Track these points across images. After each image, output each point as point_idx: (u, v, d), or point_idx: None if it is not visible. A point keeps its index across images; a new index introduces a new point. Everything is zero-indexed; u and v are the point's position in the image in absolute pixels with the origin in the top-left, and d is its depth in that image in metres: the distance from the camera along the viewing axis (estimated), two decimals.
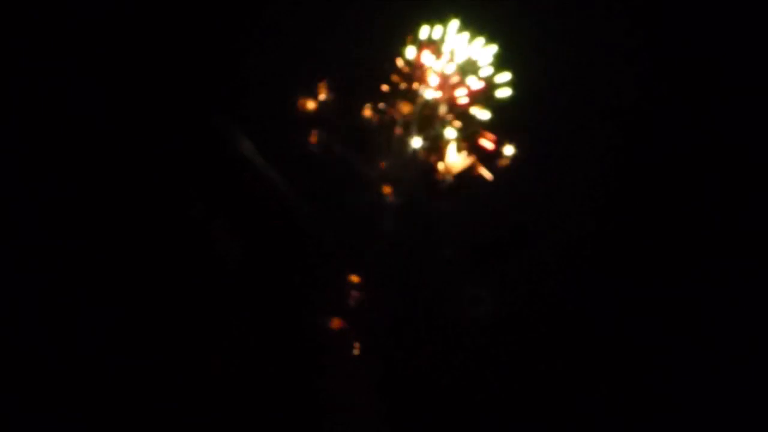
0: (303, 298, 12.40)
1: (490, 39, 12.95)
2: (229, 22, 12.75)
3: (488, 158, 12.92)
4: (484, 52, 12.95)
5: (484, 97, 12.98)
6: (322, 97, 12.84)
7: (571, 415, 12.26)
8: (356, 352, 12.38)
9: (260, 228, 12.57)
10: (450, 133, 12.73)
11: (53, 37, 12.31)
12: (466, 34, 12.97)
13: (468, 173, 12.90)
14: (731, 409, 11.98)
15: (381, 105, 12.79)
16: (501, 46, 12.93)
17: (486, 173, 12.76)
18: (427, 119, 12.83)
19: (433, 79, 12.83)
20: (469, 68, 12.97)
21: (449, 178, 12.82)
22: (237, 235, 12.43)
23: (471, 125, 12.87)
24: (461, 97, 12.95)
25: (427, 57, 12.75)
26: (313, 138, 12.80)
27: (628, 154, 12.88)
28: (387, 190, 12.65)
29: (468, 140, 12.88)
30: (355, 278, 12.55)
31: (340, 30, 12.84)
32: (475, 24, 12.91)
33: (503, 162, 12.88)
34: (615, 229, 12.80)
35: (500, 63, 12.95)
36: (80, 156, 12.33)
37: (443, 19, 12.82)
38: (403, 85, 12.85)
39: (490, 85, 12.95)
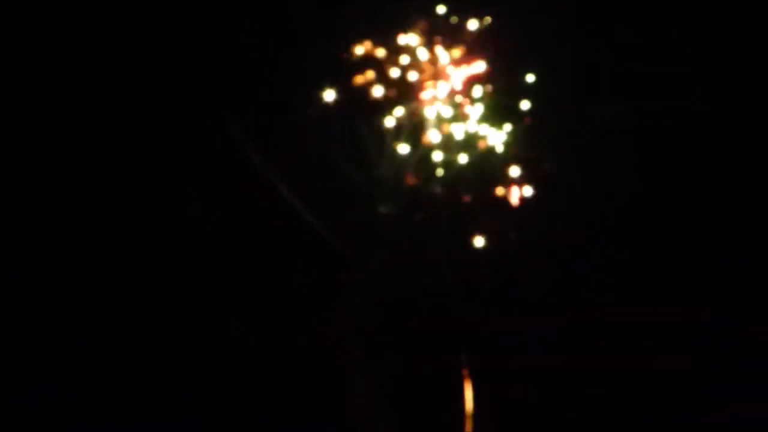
0: (303, 298, 12.42)
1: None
2: (230, 23, 12.79)
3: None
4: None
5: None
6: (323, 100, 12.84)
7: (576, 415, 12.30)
8: (358, 353, 12.42)
9: (260, 228, 12.59)
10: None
11: (53, 37, 12.33)
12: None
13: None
14: (730, 409, 12.00)
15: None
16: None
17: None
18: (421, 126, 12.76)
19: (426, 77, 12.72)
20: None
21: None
22: (236, 235, 12.46)
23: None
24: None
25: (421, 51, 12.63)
26: (308, 142, 12.81)
27: (628, 155, 12.93)
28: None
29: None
30: (356, 279, 12.59)
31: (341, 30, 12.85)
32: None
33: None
34: (614, 230, 12.83)
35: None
36: (80, 156, 12.35)
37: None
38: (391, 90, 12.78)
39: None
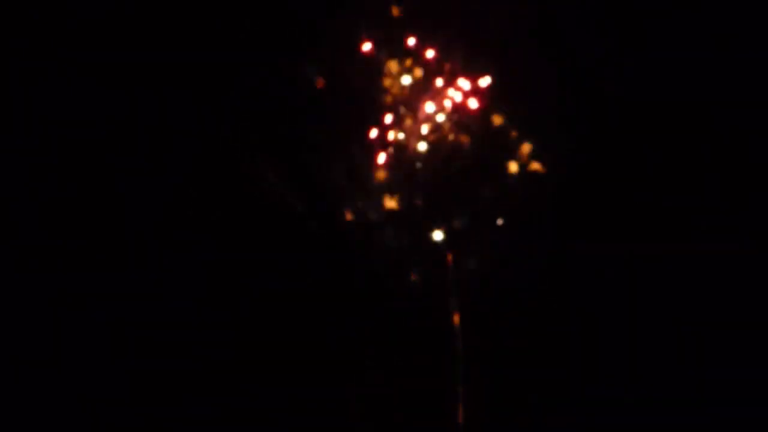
0: (306, 302, 12.45)
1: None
2: (229, 22, 12.79)
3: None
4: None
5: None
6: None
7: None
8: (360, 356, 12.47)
9: (259, 229, 12.61)
10: None
11: (53, 37, 12.33)
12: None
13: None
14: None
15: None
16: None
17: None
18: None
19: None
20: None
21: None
22: (238, 237, 12.48)
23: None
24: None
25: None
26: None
27: (627, 155, 12.96)
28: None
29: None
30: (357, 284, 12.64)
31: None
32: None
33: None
34: (613, 229, 12.86)
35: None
36: (80, 156, 12.37)
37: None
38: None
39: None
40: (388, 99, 12.65)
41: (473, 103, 12.57)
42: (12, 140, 12.23)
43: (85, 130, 12.34)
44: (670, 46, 12.84)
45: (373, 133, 12.54)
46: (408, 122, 12.57)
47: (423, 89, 12.63)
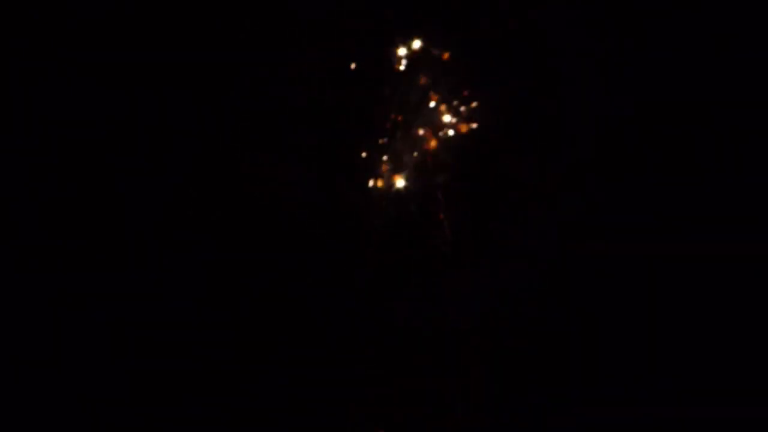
0: (305, 301, 12.44)
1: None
2: (229, 22, 12.79)
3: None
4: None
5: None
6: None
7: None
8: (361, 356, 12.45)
9: (260, 229, 12.61)
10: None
11: (53, 37, 12.34)
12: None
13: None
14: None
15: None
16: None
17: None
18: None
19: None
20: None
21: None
22: (236, 236, 12.48)
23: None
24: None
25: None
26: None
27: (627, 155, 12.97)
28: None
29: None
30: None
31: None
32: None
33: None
34: (613, 229, 12.87)
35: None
36: (80, 156, 12.37)
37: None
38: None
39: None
40: (388, 125, 12.68)
41: (471, 124, 12.60)
42: (12, 140, 12.24)
43: (85, 130, 12.35)
44: (670, 46, 12.85)
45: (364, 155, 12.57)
46: (401, 142, 12.60)
47: (417, 110, 12.66)
